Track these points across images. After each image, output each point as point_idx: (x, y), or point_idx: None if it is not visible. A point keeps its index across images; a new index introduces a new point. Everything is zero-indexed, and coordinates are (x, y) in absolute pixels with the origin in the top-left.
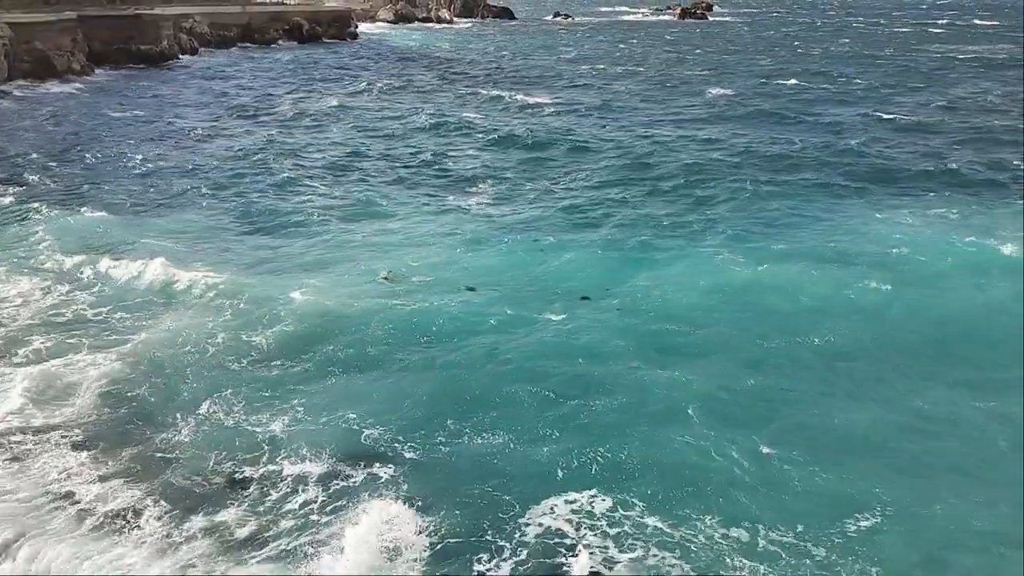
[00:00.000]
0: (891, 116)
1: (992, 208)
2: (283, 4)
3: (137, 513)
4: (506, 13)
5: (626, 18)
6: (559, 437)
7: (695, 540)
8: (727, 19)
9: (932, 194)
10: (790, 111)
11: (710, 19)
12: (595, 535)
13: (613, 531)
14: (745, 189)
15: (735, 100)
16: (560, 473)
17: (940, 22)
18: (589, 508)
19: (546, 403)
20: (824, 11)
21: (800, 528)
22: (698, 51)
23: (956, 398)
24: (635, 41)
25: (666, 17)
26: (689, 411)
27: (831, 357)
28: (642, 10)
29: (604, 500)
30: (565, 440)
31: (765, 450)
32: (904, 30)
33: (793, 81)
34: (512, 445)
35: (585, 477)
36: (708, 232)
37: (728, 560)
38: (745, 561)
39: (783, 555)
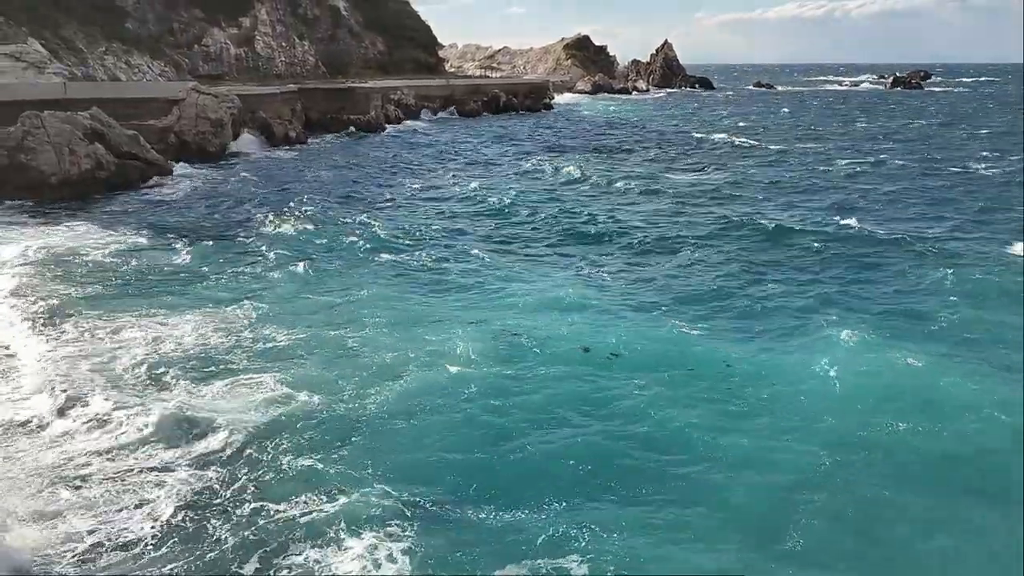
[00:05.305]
0: None
1: None
2: (485, 77)
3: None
4: (704, 83)
5: (830, 87)
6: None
7: None
8: (947, 88)
9: None
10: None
11: (925, 88)
12: None
13: None
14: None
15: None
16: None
17: None
18: None
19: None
20: None
21: None
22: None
23: None
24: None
25: (877, 87)
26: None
27: None
28: (849, 79)
29: None
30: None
31: None
32: None
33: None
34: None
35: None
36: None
37: None
38: None
39: None
